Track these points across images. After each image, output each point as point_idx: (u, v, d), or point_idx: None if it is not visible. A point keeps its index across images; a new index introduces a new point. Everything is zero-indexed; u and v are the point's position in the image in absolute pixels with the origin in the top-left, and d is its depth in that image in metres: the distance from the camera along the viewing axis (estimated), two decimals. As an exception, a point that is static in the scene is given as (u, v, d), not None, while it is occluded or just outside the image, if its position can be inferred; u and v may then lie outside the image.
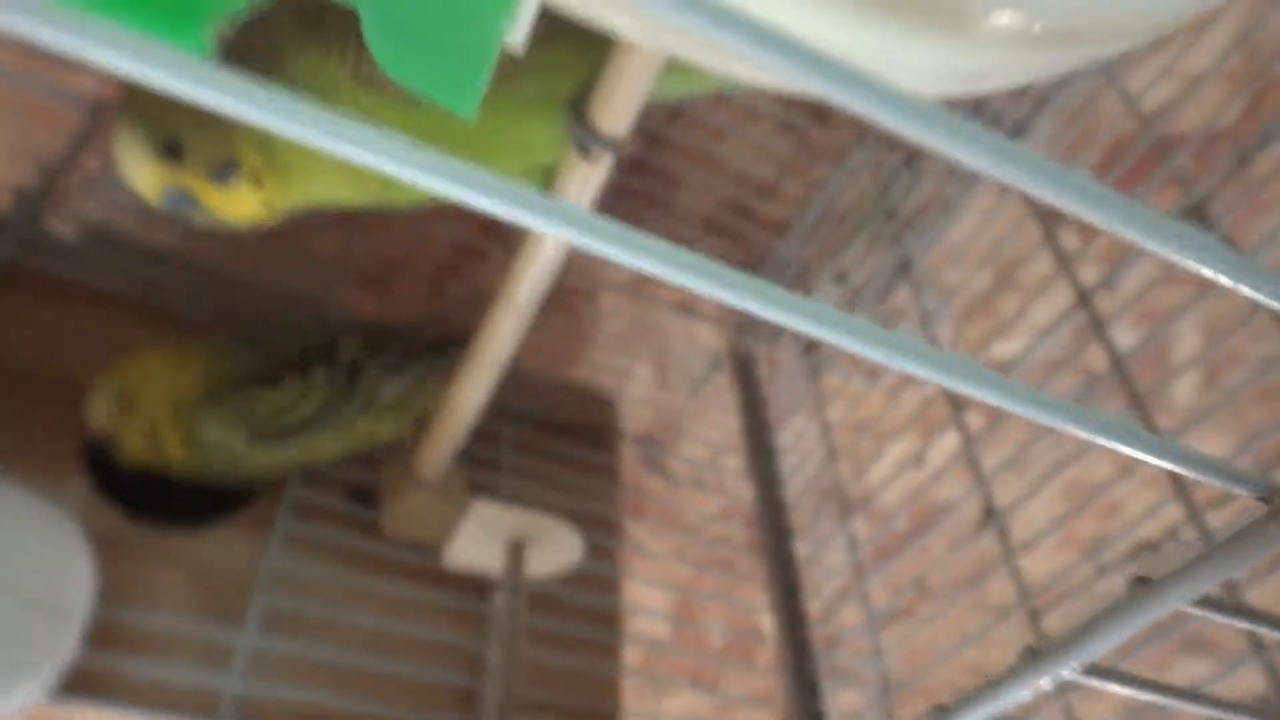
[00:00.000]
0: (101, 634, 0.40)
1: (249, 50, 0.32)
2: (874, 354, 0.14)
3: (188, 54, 0.09)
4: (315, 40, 0.31)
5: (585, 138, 0.29)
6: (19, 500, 0.40)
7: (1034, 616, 0.43)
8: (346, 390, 0.48)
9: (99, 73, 0.57)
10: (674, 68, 0.36)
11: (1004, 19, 0.12)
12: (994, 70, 0.15)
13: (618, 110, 0.29)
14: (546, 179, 0.36)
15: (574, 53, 0.32)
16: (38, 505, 0.40)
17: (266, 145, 0.32)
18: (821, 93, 0.11)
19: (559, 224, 0.12)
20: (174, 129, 0.30)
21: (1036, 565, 0.48)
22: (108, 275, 0.55)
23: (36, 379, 0.49)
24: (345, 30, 0.30)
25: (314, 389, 0.47)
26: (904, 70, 0.14)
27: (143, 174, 0.31)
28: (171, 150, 0.30)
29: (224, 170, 0.31)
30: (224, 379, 0.46)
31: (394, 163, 0.11)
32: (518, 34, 0.14)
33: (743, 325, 0.68)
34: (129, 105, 0.32)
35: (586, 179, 0.32)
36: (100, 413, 0.45)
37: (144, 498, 0.46)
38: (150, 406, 0.44)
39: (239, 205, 0.32)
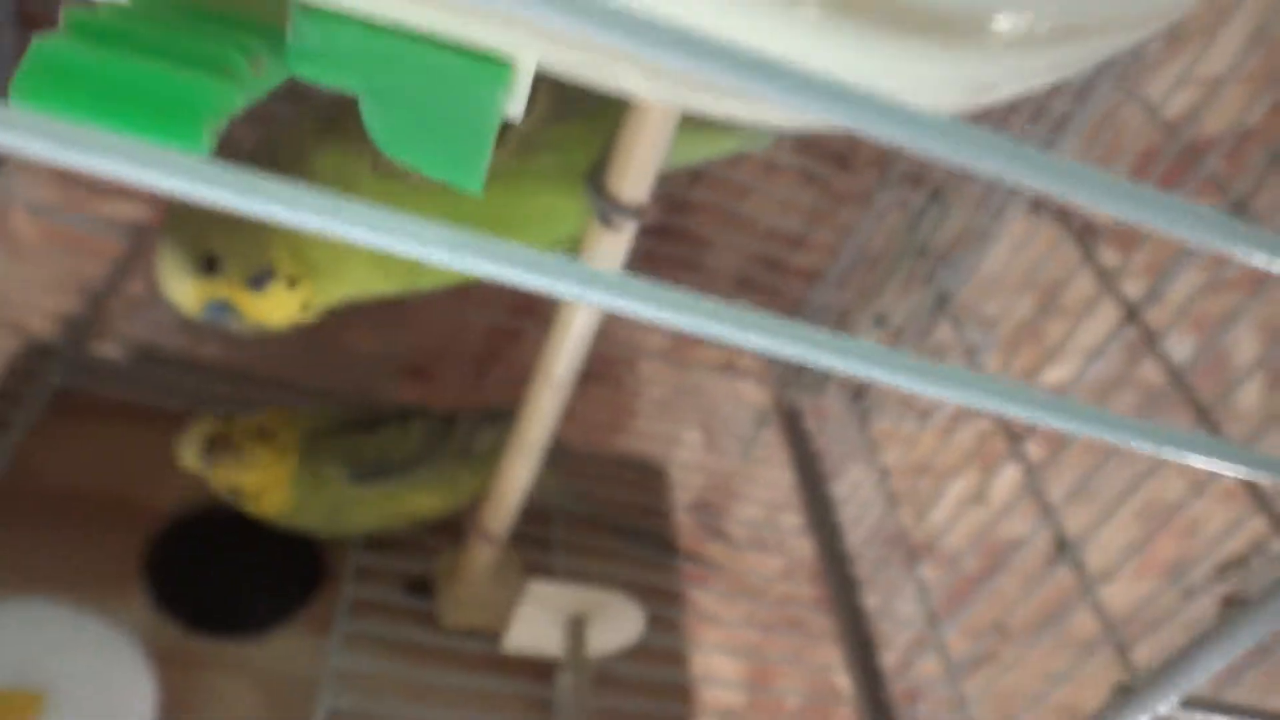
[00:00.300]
0: (170, 752, 0.40)
1: (274, 156, 0.33)
2: (925, 389, 0.14)
3: (189, 154, 0.09)
4: (334, 138, 0.32)
5: (606, 208, 0.29)
6: (77, 622, 0.40)
7: (1122, 650, 0.41)
8: (443, 437, 0.48)
9: (136, 197, 0.59)
10: (688, 131, 0.37)
11: (1009, 22, 0.12)
12: (1003, 78, 0.14)
13: (635, 177, 0.29)
14: (574, 249, 0.36)
15: (587, 126, 0.32)
16: (95, 625, 0.41)
17: (297, 247, 0.33)
18: (846, 123, 0.11)
19: (592, 289, 0.11)
20: (209, 244, 0.31)
21: (1118, 595, 0.46)
22: (156, 392, 0.56)
23: (91, 499, 0.49)
24: (362, 125, 0.31)
25: (412, 432, 0.47)
26: (914, 91, 0.14)
27: (184, 290, 0.32)
28: (209, 264, 0.31)
29: (260, 277, 0.32)
30: (323, 430, 0.46)
31: (421, 245, 0.11)
32: (516, 106, 0.14)
33: (786, 379, 0.67)
34: (166, 227, 0.33)
35: (612, 248, 0.32)
36: (191, 453, 0.44)
37: (204, 608, 0.46)
38: (248, 447, 0.44)
39: (277, 308, 0.33)
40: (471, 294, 0.64)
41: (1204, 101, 0.46)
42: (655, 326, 0.66)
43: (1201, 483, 0.42)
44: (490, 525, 0.46)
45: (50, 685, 0.37)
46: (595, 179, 0.30)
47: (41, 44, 0.11)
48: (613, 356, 0.67)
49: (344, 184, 0.32)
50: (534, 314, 0.64)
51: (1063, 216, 0.49)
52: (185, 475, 0.52)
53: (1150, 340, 0.38)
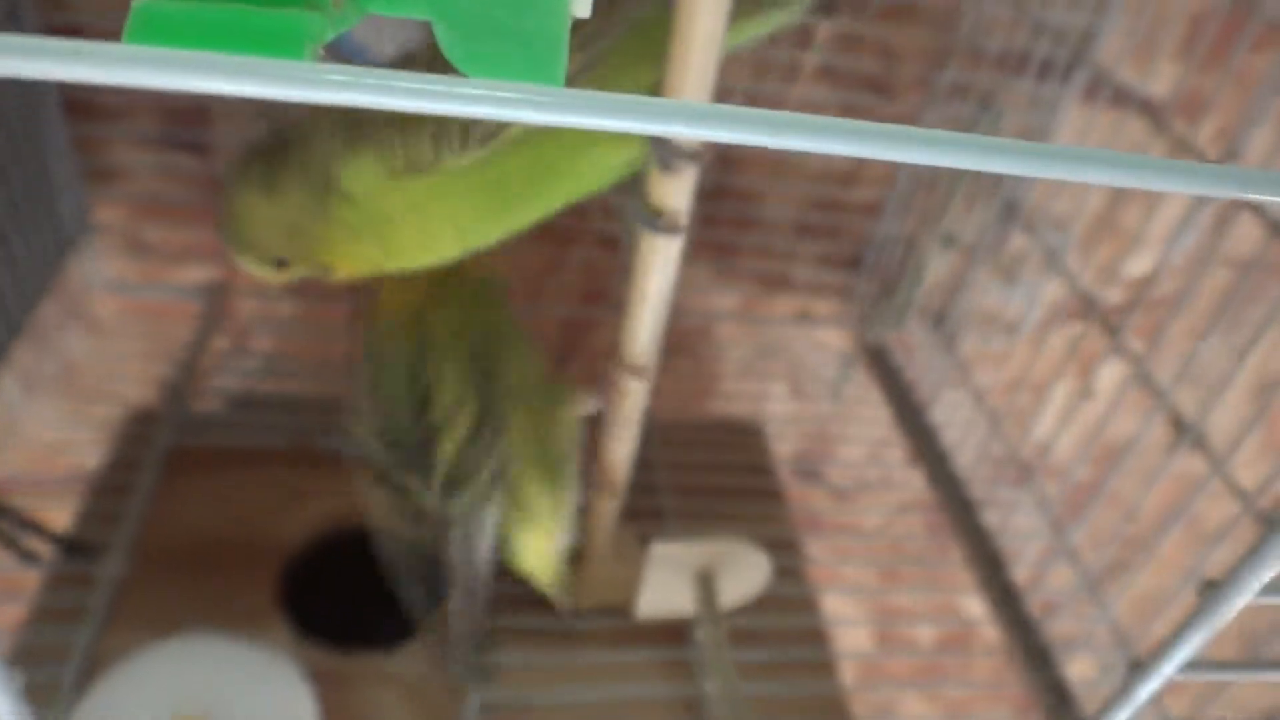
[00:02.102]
0: (338, 767, 0.42)
1: (303, 164, 0.34)
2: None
3: (300, 63, 0.10)
4: (362, 143, 0.34)
5: (664, 154, 0.29)
6: (233, 651, 0.42)
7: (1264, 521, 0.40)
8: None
9: (207, 261, 0.61)
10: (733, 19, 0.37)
11: None
12: None
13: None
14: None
15: (636, 65, 0.33)
16: (250, 652, 0.42)
17: (350, 241, 0.35)
18: None
19: (679, 121, 0.11)
20: (278, 252, 0.36)
21: (1243, 475, 0.44)
22: (259, 434, 0.58)
23: (220, 543, 0.51)
24: (386, 127, 0.33)
25: None
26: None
27: (268, 276, 0.38)
28: (281, 264, 0.37)
29: (324, 272, 0.38)
30: None
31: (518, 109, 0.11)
32: (583, 4, 0.14)
33: (865, 318, 0.67)
34: (235, 247, 0.37)
35: (677, 191, 0.32)
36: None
37: (343, 628, 0.47)
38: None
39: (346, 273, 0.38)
40: (544, 289, 0.64)
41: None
42: (725, 288, 0.66)
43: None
44: (601, 504, 0.47)
45: (217, 711, 0.39)
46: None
47: (143, 2, 0.12)
48: (687, 327, 0.68)
49: (369, 193, 0.34)
50: (605, 300, 0.65)
51: (1119, 98, 0.48)
52: (304, 508, 0.54)
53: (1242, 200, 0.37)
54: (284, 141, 0.35)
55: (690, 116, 0.11)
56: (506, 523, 0.43)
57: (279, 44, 0.12)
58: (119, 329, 0.63)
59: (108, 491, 0.53)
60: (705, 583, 0.46)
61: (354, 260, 0.36)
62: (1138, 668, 0.20)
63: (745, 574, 0.47)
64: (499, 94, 0.11)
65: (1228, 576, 0.19)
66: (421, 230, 0.35)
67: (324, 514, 0.55)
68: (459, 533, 0.42)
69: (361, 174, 0.33)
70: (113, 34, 0.51)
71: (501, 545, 0.44)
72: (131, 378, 0.61)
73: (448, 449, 0.41)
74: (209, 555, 0.51)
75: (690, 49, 0.27)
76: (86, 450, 0.64)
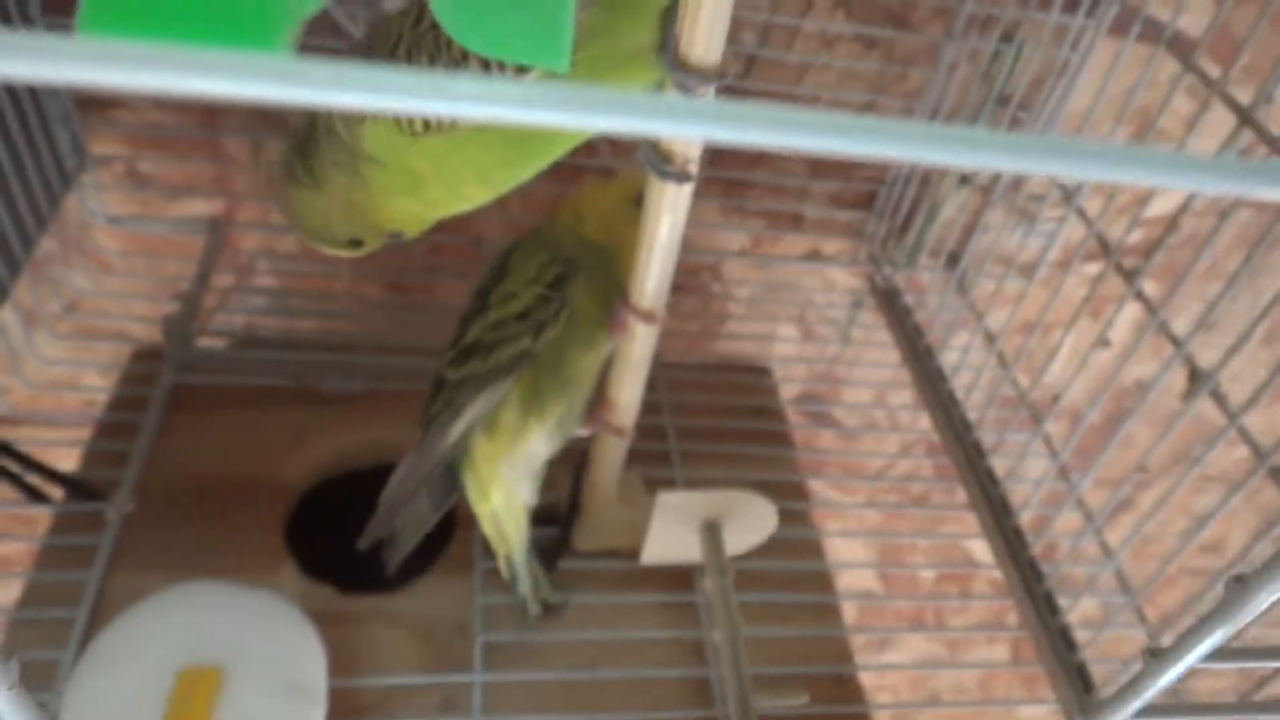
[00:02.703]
0: (342, 705, 0.42)
1: (329, 142, 0.34)
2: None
3: (276, 56, 0.09)
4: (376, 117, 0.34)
5: (683, 78, 0.28)
6: (240, 596, 0.42)
7: (1277, 475, 0.39)
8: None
9: (207, 194, 0.60)
10: None
11: None
12: None
13: (706, 38, 0.28)
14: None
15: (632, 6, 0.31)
16: (257, 596, 0.42)
17: (393, 203, 0.36)
18: None
19: (689, 121, 0.10)
20: (347, 234, 0.37)
21: (1259, 425, 0.43)
22: (263, 372, 0.58)
23: (225, 483, 0.51)
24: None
25: None
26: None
27: (355, 253, 0.38)
28: (355, 242, 0.38)
29: (396, 236, 0.38)
30: None
31: (521, 110, 0.10)
32: None
33: (876, 257, 0.65)
34: (305, 235, 0.38)
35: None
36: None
37: (349, 568, 0.48)
38: None
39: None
40: (546, 226, 0.63)
41: None
42: (734, 226, 0.65)
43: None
44: (607, 447, 0.46)
45: (227, 658, 0.39)
46: (667, 48, 0.29)
47: None
48: (695, 265, 0.67)
49: (393, 154, 0.34)
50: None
51: (1151, 31, 0.46)
52: (309, 448, 0.54)
53: (1272, 144, 0.35)
54: (310, 124, 0.35)
55: (691, 116, 0.10)
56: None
57: (251, 31, 0.11)
58: (122, 265, 0.62)
59: (112, 430, 0.53)
60: (711, 532, 0.46)
61: (404, 218, 0.37)
62: (1158, 655, 0.20)
63: (752, 523, 0.47)
64: (488, 92, 0.10)
65: (1256, 573, 0.18)
66: (450, 181, 0.35)
67: (329, 454, 0.55)
68: (440, 405, 0.43)
69: (382, 138, 0.34)
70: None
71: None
72: (135, 315, 0.61)
73: (477, 326, 0.43)
74: (214, 495, 0.51)
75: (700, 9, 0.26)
76: (92, 388, 0.64)
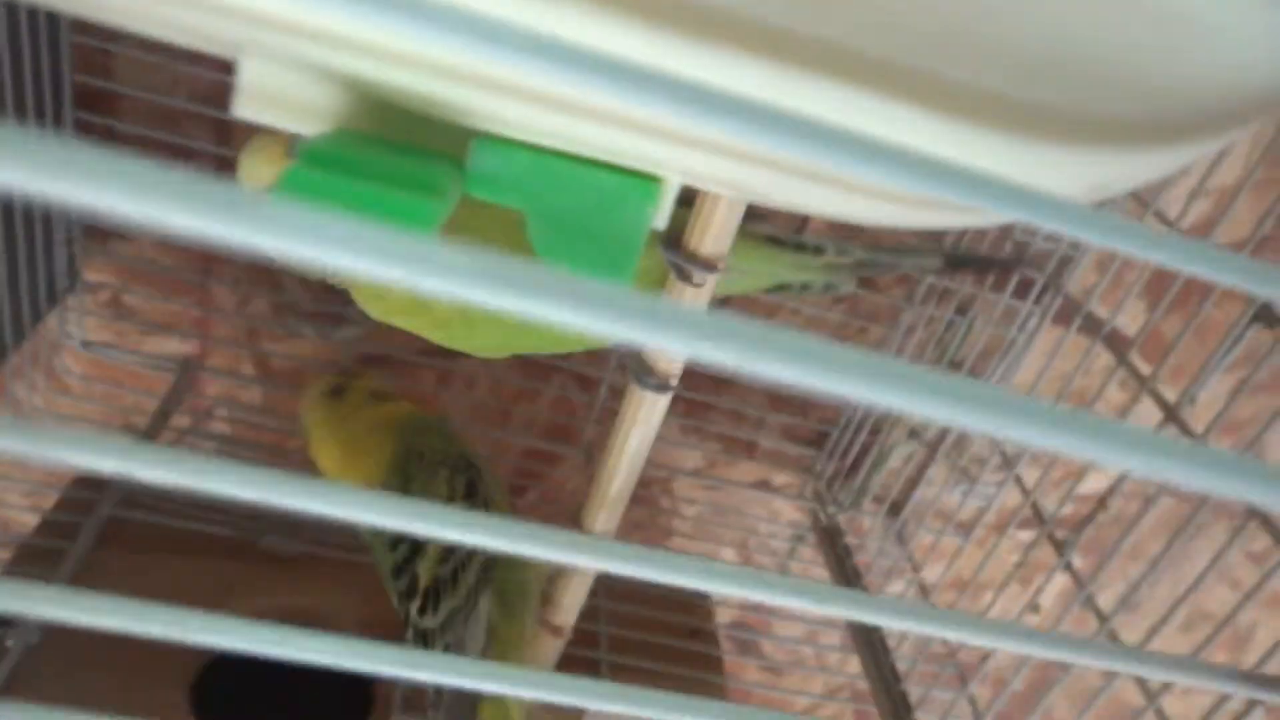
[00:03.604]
0: None
1: None
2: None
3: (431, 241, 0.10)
4: None
5: (683, 263, 0.30)
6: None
7: (1193, 762, 0.40)
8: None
9: (185, 335, 0.61)
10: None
11: (1134, 117, 0.13)
12: (1117, 179, 0.15)
13: (716, 234, 0.30)
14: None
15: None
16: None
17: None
18: (982, 205, 0.12)
19: (675, 330, 0.11)
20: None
21: (1177, 709, 0.44)
22: (203, 519, 0.57)
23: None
24: None
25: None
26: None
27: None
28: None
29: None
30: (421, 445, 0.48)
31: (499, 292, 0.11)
32: (661, 217, 0.15)
33: (822, 496, 0.68)
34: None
35: (695, 299, 0.32)
36: (315, 392, 0.49)
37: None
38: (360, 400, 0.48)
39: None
40: (511, 417, 0.65)
41: (1217, 211, 0.48)
42: (691, 445, 0.67)
43: (1248, 589, 0.42)
44: (540, 647, 0.46)
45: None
46: (671, 236, 0.31)
47: (293, 170, 0.13)
48: (649, 477, 0.68)
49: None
50: (572, 438, 0.65)
51: (1091, 325, 0.51)
52: (233, 606, 0.52)
53: (1193, 440, 0.38)
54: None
55: (699, 330, 0.11)
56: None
57: (410, 224, 0.13)
58: (80, 389, 0.62)
59: (35, 555, 0.51)
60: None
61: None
62: None
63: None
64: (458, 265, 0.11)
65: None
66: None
67: (252, 616, 0.53)
68: (441, 645, 0.42)
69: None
70: (147, 102, 0.52)
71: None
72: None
73: (425, 568, 0.42)
74: (126, 642, 0.48)
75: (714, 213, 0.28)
76: (24, 510, 0.62)
